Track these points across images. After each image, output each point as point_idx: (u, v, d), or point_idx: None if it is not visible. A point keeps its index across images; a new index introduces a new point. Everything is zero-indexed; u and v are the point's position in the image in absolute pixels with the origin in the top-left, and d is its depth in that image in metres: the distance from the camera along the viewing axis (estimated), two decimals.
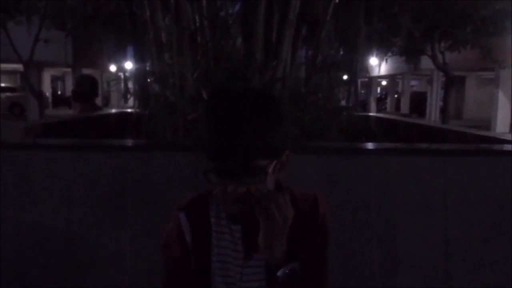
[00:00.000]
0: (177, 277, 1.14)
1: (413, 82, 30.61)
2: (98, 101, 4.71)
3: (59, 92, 30.75)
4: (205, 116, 1.03)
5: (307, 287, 1.03)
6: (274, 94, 1.15)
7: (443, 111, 17.10)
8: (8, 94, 23.05)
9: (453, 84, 16.98)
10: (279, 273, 0.98)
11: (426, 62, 18.58)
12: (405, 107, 26.49)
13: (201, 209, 1.13)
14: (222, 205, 1.07)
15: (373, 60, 22.96)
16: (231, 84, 2.48)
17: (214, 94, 1.04)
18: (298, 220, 1.04)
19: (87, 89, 4.19)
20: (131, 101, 3.77)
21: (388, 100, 29.09)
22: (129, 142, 2.38)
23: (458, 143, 2.83)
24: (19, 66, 17.66)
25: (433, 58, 15.76)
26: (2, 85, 24.30)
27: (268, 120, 0.99)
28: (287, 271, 0.98)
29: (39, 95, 16.35)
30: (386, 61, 21.92)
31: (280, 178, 1.09)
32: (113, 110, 5.54)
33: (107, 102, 23.27)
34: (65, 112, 18.79)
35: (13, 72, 26.06)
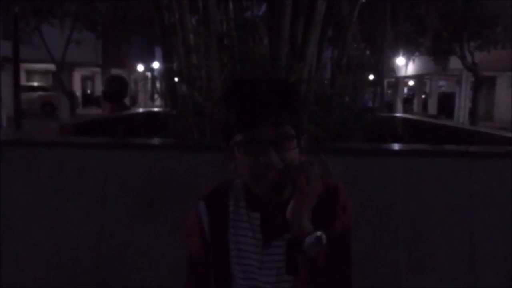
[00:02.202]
0: (197, 266, 1.16)
1: (441, 83, 29.99)
2: (126, 100, 4.83)
3: (88, 92, 31.44)
4: (224, 103, 1.08)
5: (331, 275, 1.03)
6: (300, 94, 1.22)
7: (472, 112, 16.70)
8: (40, 93, 23.73)
9: (482, 84, 16.58)
10: (306, 239, 0.98)
11: (454, 62, 18.20)
12: (432, 108, 25.98)
13: (220, 198, 1.15)
14: (252, 185, 1.07)
15: (400, 60, 22.60)
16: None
17: (233, 83, 1.11)
18: (318, 208, 1.05)
19: (117, 90, 4.31)
20: (158, 101, 3.85)
21: (415, 100, 28.58)
22: (158, 141, 2.45)
23: (485, 145, 2.80)
24: (51, 66, 18.21)
25: (462, 58, 15.43)
26: (35, 84, 25.05)
27: (290, 96, 1.06)
28: (313, 238, 0.99)
29: (71, 95, 16.81)
30: (414, 61, 21.58)
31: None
32: (141, 110, 5.66)
33: (134, 102, 23.68)
34: (94, 112, 19.23)
35: (45, 72, 26.82)
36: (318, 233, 1.00)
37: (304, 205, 1.00)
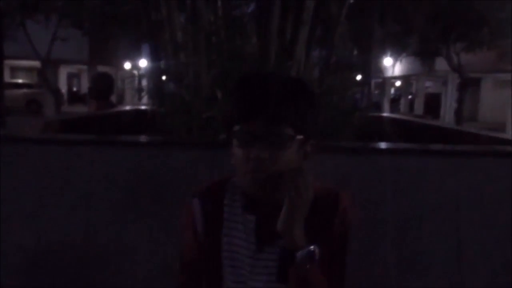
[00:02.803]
0: (189, 263, 1.14)
1: (427, 83, 30.26)
2: (113, 98, 4.79)
3: (74, 89, 31.08)
4: (230, 93, 1.05)
5: (323, 284, 1.01)
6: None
7: (458, 113, 16.92)
8: (25, 90, 23.33)
9: (468, 85, 16.78)
10: (298, 254, 0.96)
11: (441, 63, 18.39)
12: (419, 108, 26.22)
13: (216, 196, 1.11)
14: (241, 182, 1.03)
15: (387, 61, 22.77)
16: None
17: (244, 75, 1.07)
18: (316, 215, 1.03)
19: (104, 87, 4.26)
20: (144, 99, 3.82)
21: (402, 101, 28.83)
22: (146, 139, 2.43)
23: (471, 144, 2.83)
24: (36, 63, 17.96)
25: (448, 59, 15.61)
26: (20, 81, 24.65)
27: (298, 95, 1.01)
28: (305, 253, 0.96)
29: (56, 92, 16.61)
30: (401, 62, 21.77)
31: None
32: (127, 107, 5.61)
33: (121, 100, 23.48)
34: (80, 109, 19.00)
35: (30, 69, 26.42)
36: (311, 247, 0.97)
37: (295, 216, 0.96)
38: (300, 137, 1.00)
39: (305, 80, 1.10)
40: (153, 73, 3.43)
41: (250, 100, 0.99)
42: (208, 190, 1.14)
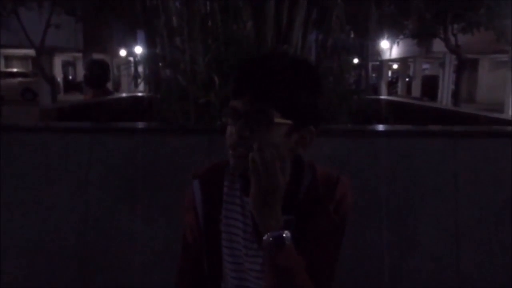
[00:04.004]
0: (191, 245, 1.14)
1: (424, 65, 30.18)
2: (109, 85, 4.75)
3: (70, 77, 30.87)
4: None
5: (310, 274, 0.98)
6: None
7: (455, 94, 16.90)
8: (20, 79, 23.20)
9: (465, 67, 16.73)
10: (265, 237, 0.94)
11: (438, 45, 18.29)
12: (416, 90, 26.19)
13: (216, 178, 1.11)
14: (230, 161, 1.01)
15: (384, 43, 22.65)
16: None
17: (252, 56, 1.08)
18: (314, 200, 1.02)
19: (99, 74, 4.22)
20: (141, 86, 3.79)
21: (399, 83, 28.77)
22: (142, 125, 2.42)
23: (469, 125, 2.83)
24: (30, 52, 17.78)
25: (446, 40, 15.51)
26: (14, 70, 24.49)
27: (294, 78, 0.97)
28: (271, 238, 0.94)
29: (52, 81, 16.49)
30: (398, 44, 21.65)
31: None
32: (124, 95, 5.58)
33: (117, 87, 23.34)
34: (76, 97, 18.90)
35: (24, 58, 26.22)
36: (281, 232, 0.94)
37: (263, 198, 0.94)
38: (286, 121, 0.97)
39: (311, 64, 1.06)
40: (149, 60, 3.40)
41: (241, 77, 0.99)
42: (208, 172, 1.13)
